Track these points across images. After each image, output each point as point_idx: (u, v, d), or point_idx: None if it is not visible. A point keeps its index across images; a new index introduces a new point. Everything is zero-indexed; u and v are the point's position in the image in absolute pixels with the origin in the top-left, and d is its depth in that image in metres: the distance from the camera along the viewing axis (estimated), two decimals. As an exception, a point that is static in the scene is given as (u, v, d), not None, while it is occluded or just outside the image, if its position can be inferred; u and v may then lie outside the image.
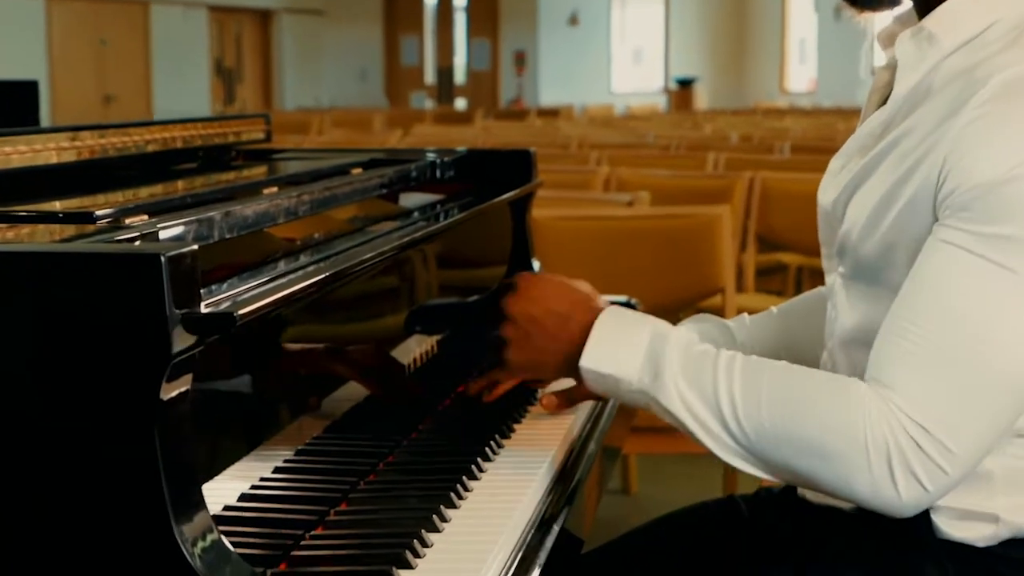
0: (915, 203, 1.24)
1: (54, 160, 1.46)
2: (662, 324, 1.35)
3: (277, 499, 1.20)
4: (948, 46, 1.29)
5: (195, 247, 0.95)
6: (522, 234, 2.17)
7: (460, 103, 19.51)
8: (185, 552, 0.89)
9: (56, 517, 0.92)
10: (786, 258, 4.90)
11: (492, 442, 1.45)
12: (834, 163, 1.42)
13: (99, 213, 1.19)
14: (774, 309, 1.64)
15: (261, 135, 2.03)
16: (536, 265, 2.18)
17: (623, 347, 1.32)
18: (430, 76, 20.49)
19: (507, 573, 1.15)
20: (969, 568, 1.27)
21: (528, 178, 2.15)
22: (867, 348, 1.27)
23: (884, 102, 1.36)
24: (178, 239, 1.17)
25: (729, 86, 22.08)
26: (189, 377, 0.96)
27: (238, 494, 1.18)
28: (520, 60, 19.71)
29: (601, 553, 1.52)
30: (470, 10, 20.21)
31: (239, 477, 1.19)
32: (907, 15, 1.38)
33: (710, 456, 1.29)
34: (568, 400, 1.60)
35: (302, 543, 1.14)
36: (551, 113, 14.20)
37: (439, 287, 1.88)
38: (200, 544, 0.91)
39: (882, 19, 1.44)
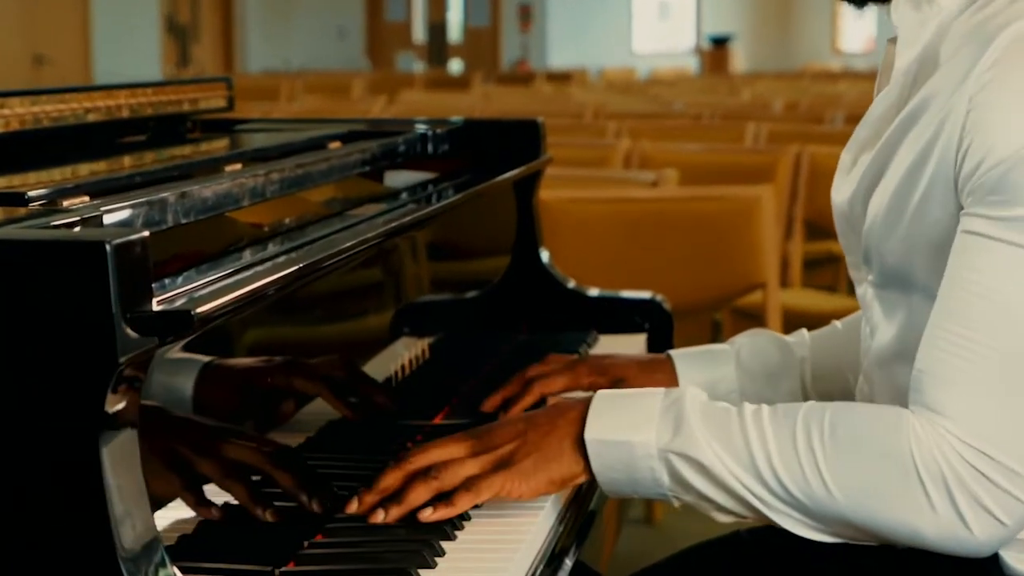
0: (934, 189, 1.25)
1: (-23, 132, 1.47)
2: (670, 388, 1.35)
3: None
4: (950, 4, 1.29)
5: (145, 234, 0.95)
6: (528, 219, 2.17)
7: (455, 65, 19.51)
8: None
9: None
10: (839, 248, 4.89)
11: (494, 463, 1.45)
12: (845, 157, 1.42)
13: (32, 194, 1.19)
14: (838, 324, 1.65)
15: (222, 102, 2.03)
16: (544, 256, 2.19)
17: (632, 410, 1.31)
18: (419, 34, 20.48)
19: (512, 616, 1.16)
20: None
21: (535, 153, 2.15)
22: (909, 364, 1.27)
23: None
24: (125, 224, 1.18)
25: (772, 45, 22.07)
26: (138, 387, 0.96)
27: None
28: (525, 15, 19.69)
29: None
30: (466, -45, 20.21)
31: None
32: None
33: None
34: None
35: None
36: (562, 77, 14.19)
37: (431, 282, 1.88)
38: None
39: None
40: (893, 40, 1.39)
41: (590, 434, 1.30)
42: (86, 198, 1.22)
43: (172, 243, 1.23)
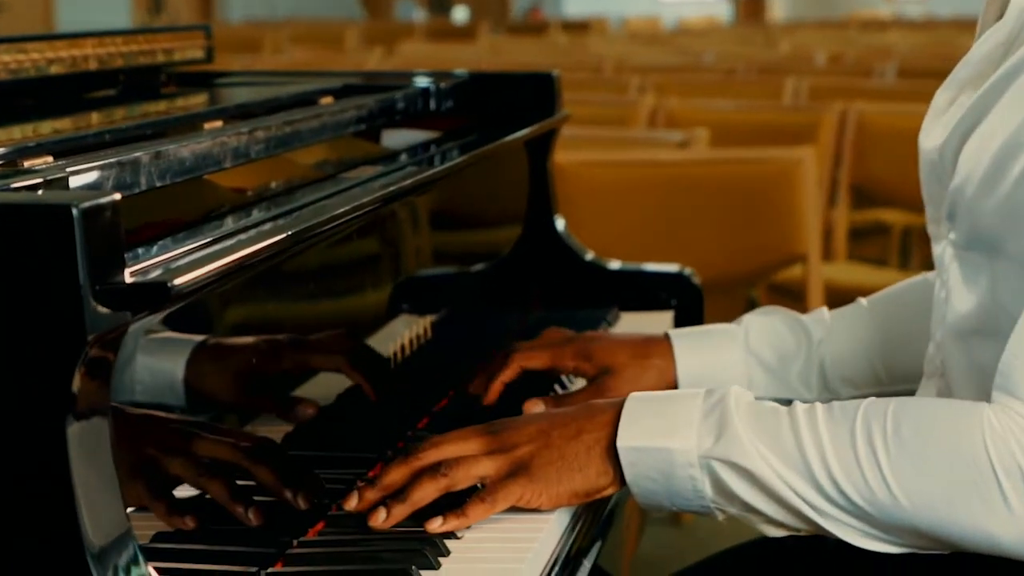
0: None
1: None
2: (712, 388, 1.33)
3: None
4: None
5: (116, 197, 0.95)
6: (542, 184, 2.17)
7: (460, 14, 19.48)
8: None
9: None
10: (889, 216, 4.90)
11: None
12: (939, 97, 1.41)
13: (-10, 154, 1.20)
14: (863, 301, 1.64)
15: (200, 53, 2.03)
16: (559, 224, 2.19)
17: (669, 413, 1.30)
18: (420, -22, 20.43)
19: (523, 624, 1.16)
20: None
21: (549, 110, 2.15)
22: (991, 340, 1.27)
23: (1003, 15, 1.36)
24: (94, 187, 1.18)
25: (814, -9, 21.97)
26: (109, 368, 0.96)
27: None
28: (538, -43, 19.63)
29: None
30: None
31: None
32: None
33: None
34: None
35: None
36: (579, 27, 14.17)
37: (433, 253, 1.89)
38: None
39: None
40: None
41: (623, 441, 1.29)
42: (49, 158, 1.22)
43: (146, 208, 1.23)
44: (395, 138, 1.92)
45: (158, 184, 1.29)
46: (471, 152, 1.83)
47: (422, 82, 2.06)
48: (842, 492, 1.23)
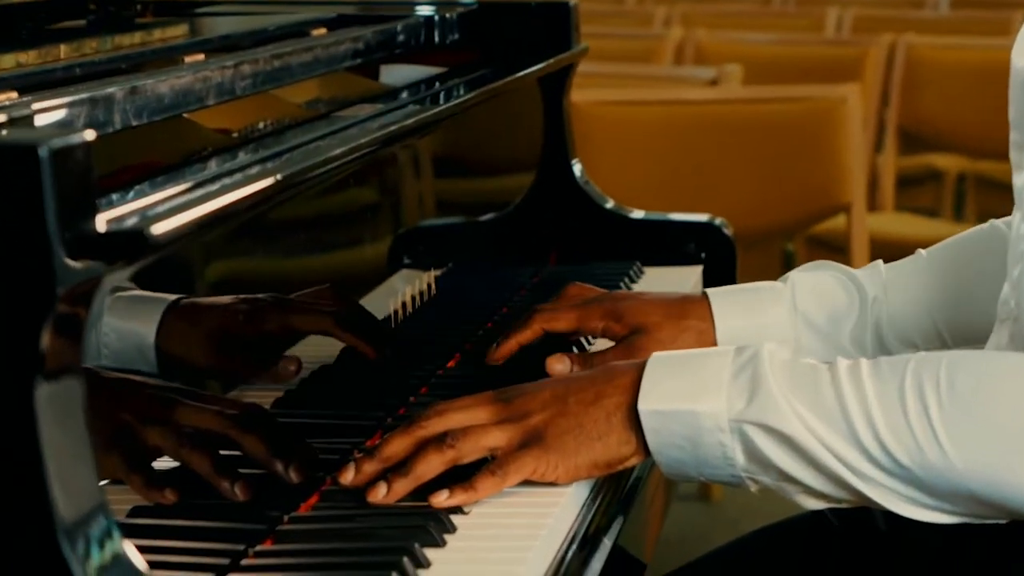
0: None
1: None
2: (742, 346, 1.32)
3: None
4: None
5: (89, 137, 0.95)
6: (557, 125, 2.17)
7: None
8: (74, 570, 0.90)
9: None
10: (942, 162, 4.89)
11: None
12: None
13: (-54, 89, 1.20)
14: (923, 252, 1.63)
15: (179, -21, 2.02)
16: (577, 169, 2.18)
17: (696, 373, 1.29)
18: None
19: (537, 608, 1.16)
20: None
21: (566, 44, 2.14)
22: None
23: None
24: (63, 126, 1.18)
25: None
26: (80, 325, 0.97)
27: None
28: None
29: (671, 582, 1.53)
30: None
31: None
32: None
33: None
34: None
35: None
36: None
37: (438, 202, 1.89)
38: (95, 560, 0.92)
39: None
40: None
41: (645, 404, 1.29)
42: (14, 94, 1.22)
43: (121, 149, 1.23)
44: (395, 74, 1.91)
45: (134, 123, 1.29)
46: (479, 89, 1.83)
47: (425, 11, 2.05)
48: (889, 454, 1.22)
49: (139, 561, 0.96)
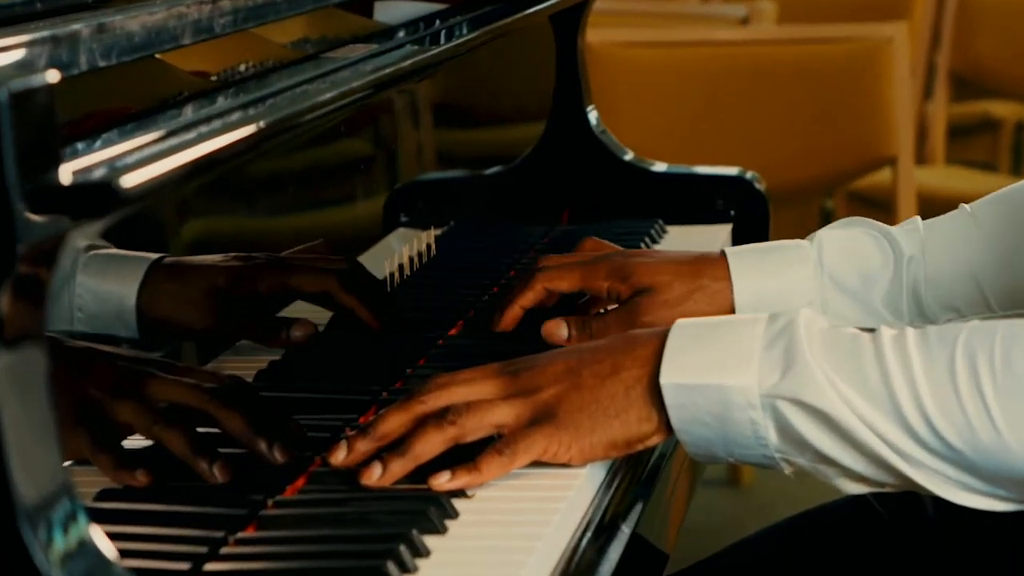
0: None
1: None
2: (776, 313, 1.31)
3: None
4: None
5: (52, 79, 0.95)
6: (571, 69, 2.17)
7: None
8: (35, 557, 0.91)
9: None
10: (998, 110, 4.89)
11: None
12: None
13: None
14: (967, 207, 1.62)
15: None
16: (593, 118, 2.18)
17: (724, 342, 1.28)
18: None
19: (548, 602, 1.17)
20: None
21: (581, -23, 2.14)
22: None
23: None
24: (23, 66, 1.17)
25: None
26: (44, 287, 0.97)
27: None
28: None
29: (696, 574, 1.53)
30: None
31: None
32: None
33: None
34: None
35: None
36: None
37: (438, 153, 1.89)
38: (58, 547, 0.93)
39: None
40: None
41: (668, 378, 1.28)
42: (-32, 32, 1.22)
43: (87, 94, 1.23)
44: (391, 10, 1.91)
45: (101, 64, 1.28)
46: (484, 27, 1.82)
47: (424, -58, 2.05)
48: (937, 434, 1.22)
49: (108, 548, 0.96)
